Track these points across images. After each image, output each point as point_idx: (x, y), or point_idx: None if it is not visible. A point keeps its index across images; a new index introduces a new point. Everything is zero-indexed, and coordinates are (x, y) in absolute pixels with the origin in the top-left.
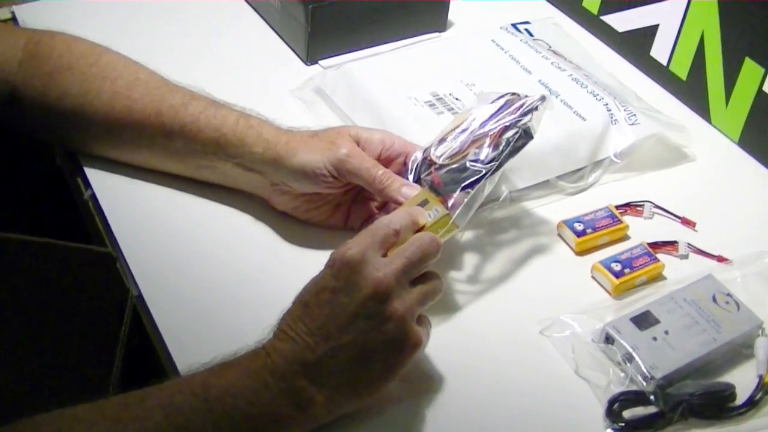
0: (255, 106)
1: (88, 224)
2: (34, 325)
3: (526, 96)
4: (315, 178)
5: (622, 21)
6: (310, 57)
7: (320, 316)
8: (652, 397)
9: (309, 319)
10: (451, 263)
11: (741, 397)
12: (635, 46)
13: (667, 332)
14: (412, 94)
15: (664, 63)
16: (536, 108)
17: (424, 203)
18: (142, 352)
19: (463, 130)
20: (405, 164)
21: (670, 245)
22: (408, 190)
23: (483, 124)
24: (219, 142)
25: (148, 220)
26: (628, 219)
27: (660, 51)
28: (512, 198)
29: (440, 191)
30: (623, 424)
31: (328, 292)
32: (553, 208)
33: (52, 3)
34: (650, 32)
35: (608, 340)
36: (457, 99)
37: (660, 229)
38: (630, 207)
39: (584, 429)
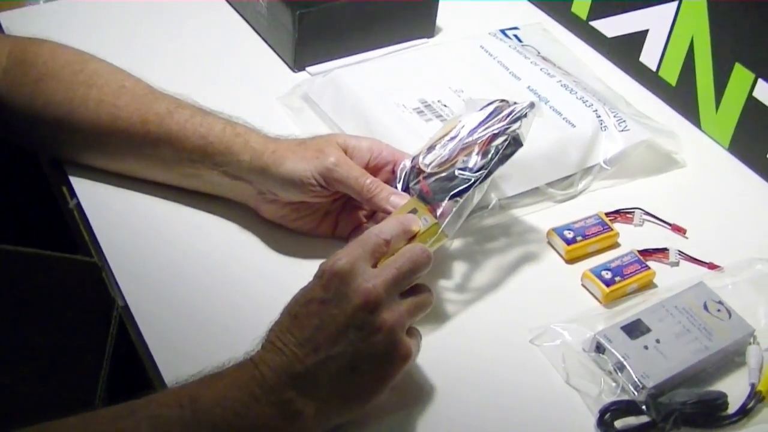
0: (242, 113)
1: (75, 233)
2: (19, 336)
3: (515, 103)
4: (302, 187)
5: (611, 26)
6: (298, 63)
7: (309, 327)
8: (643, 407)
9: (298, 330)
10: (440, 271)
11: (733, 406)
12: (624, 51)
13: (658, 341)
14: (401, 101)
15: (654, 68)
16: (525, 115)
17: (412, 212)
18: (129, 361)
19: (452, 138)
20: (393, 172)
21: (660, 252)
22: (396, 198)
23: (472, 132)
24: (205, 150)
25: (134, 229)
26: (618, 226)
27: (649, 56)
28: (501, 205)
29: (429, 200)
30: None
31: (317, 303)
32: (543, 216)
33: (37, 9)
34: (640, 38)
35: (599, 349)
36: (445, 106)
37: (650, 236)
38: (620, 214)
39: None
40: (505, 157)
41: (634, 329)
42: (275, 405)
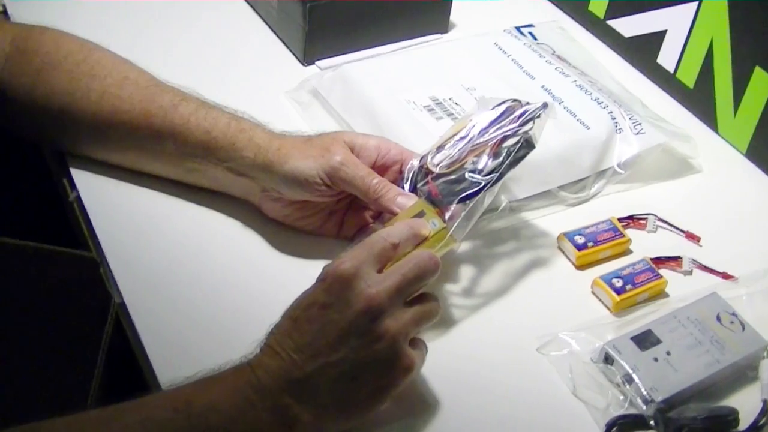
0: (249, 106)
1: (75, 227)
2: (13, 330)
3: (528, 103)
4: (307, 186)
5: (629, 26)
6: (307, 57)
7: (309, 332)
8: (652, 422)
9: (298, 334)
10: (447, 275)
11: (744, 422)
12: (642, 51)
13: (668, 353)
14: (411, 98)
15: (671, 70)
16: (538, 116)
17: (420, 214)
18: (125, 360)
19: (462, 138)
20: (401, 172)
21: (673, 261)
22: (403, 200)
23: (483, 132)
24: (209, 145)
25: (134, 225)
26: (630, 232)
27: (667, 58)
28: (512, 208)
29: (437, 202)
30: None
31: (318, 308)
32: (554, 220)
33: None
34: (658, 38)
35: (608, 360)
36: (456, 104)
37: (663, 243)
38: (633, 220)
39: None
40: (516, 160)
41: (644, 340)
42: (272, 410)
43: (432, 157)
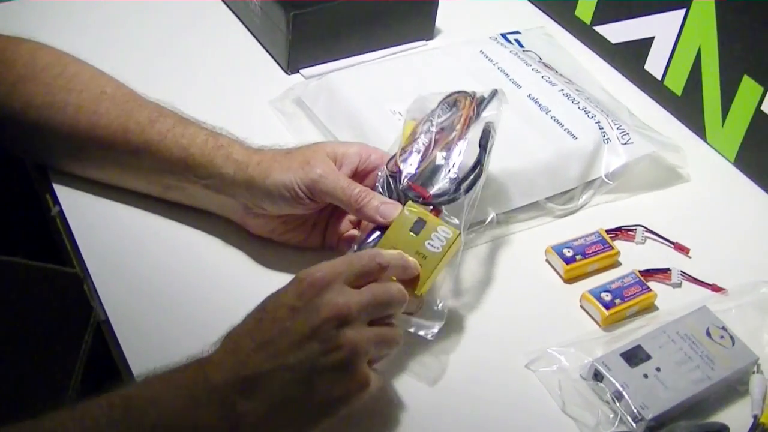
0: (233, 116)
1: (58, 242)
2: None
3: (475, 93)
4: (290, 200)
5: (616, 32)
6: (291, 66)
7: (271, 331)
8: None
9: (259, 333)
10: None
11: None
12: (629, 58)
13: (658, 369)
14: (396, 108)
15: (659, 77)
16: (491, 101)
17: (419, 222)
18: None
19: (421, 136)
20: None
21: (662, 273)
22: (386, 208)
23: (440, 126)
24: (186, 162)
25: (117, 240)
26: (619, 244)
27: (655, 65)
28: (499, 220)
29: (433, 203)
30: None
31: (286, 309)
32: (541, 232)
33: (19, 5)
34: (645, 45)
35: (597, 376)
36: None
37: (652, 254)
38: (621, 231)
39: None
40: (491, 146)
41: (634, 356)
42: (217, 407)
43: (401, 161)
